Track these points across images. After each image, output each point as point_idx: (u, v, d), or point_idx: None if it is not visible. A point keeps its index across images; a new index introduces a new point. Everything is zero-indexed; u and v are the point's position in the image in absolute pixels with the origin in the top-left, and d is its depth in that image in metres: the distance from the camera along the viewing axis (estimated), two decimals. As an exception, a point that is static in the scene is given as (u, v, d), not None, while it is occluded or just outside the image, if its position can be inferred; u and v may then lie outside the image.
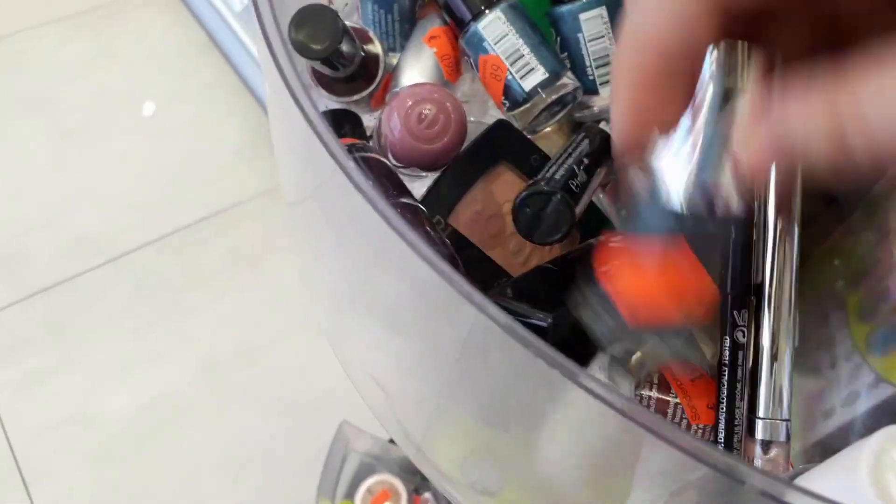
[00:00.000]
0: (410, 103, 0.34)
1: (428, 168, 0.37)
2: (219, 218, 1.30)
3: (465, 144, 0.38)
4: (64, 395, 1.11)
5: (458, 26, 0.41)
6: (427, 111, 0.34)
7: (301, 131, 0.24)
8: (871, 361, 0.30)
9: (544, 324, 0.29)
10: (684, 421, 0.33)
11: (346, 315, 0.36)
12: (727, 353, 0.32)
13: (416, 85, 0.37)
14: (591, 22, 0.39)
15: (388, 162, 0.35)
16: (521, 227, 0.34)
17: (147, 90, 1.44)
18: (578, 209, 0.34)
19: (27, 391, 1.11)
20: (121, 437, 1.08)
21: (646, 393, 0.34)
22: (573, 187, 0.34)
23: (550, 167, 0.35)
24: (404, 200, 0.31)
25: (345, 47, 0.38)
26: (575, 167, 0.35)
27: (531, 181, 0.35)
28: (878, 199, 0.31)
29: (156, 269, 1.24)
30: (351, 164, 0.23)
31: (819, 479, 0.26)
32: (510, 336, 0.22)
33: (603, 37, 0.39)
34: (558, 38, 0.40)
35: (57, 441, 1.07)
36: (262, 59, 0.28)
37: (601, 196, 0.44)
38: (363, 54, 0.41)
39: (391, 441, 0.95)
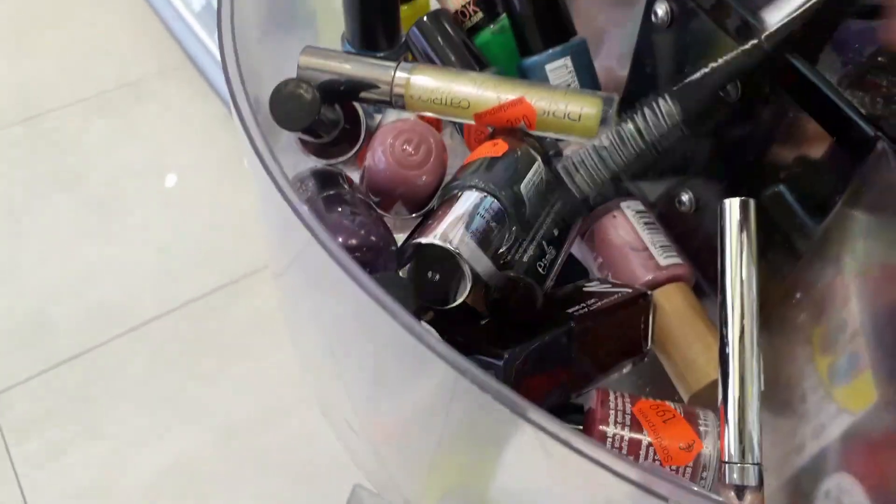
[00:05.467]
0: (395, 132, 0.37)
1: (410, 202, 0.38)
2: (238, 285, 1.32)
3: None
4: (84, 464, 1.12)
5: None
6: (409, 137, 0.36)
7: (272, 192, 0.26)
8: (832, 392, 0.31)
9: (500, 361, 0.30)
10: (657, 462, 0.33)
11: (330, 371, 0.37)
12: None
13: (398, 120, 0.39)
14: (557, 72, 0.41)
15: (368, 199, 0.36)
16: (491, 310, 0.35)
17: (169, 162, 1.48)
18: (546, 288, 0.36)
19: (48, 462, 1.12)
20: (139, 506, 1.08)
21: (618, 432, 0.34)
22: (540, 269, 0.36)
23: (520, 246, 0.37)
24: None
25: (326, 114, 0.40)
26: (544, 244, 0.37)
27: (500, 263, 0.36)
28: (832, 233, 0.32)
29: (176, 337, 1.26)
30: (318, 227, 0.25)
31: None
32: (459, 373, 0.23)
33: (570, 85, 0.41)
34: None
35: (76, 510, 1.08)
36: (239, 135, 0.30)
37: (580, 244, 0.45)
38: (344, 120, 0.43)
39: None
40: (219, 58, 1.20)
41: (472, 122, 0.40)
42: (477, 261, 0.33)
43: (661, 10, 0.39)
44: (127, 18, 1.74)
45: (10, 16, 1.72)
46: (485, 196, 0.35)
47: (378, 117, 0.47)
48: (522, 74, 0.43)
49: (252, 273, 1.33)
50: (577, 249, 0.45)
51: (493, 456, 0.26)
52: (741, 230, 0.33)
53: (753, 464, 0.31)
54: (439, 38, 0.45)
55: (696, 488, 0.30)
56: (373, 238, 0.33)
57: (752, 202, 0.33)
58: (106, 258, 1.33)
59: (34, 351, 1.22)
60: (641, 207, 0.44)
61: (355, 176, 0.46)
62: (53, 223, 1.37)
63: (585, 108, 0.38)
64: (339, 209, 0.34)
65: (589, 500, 0.23)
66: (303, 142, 0.44)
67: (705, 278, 0.42)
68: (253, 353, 1.24)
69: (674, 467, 0.33)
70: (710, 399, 0.37)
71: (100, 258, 1.33)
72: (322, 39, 0.49)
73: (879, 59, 0.32)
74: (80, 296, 1.28)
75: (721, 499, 0.30)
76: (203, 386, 1.20)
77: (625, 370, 0.38)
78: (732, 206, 0.33)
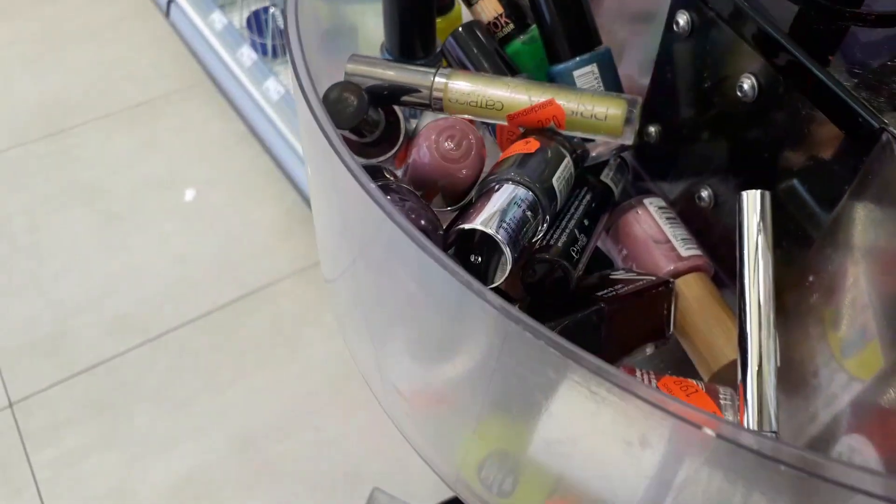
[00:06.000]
0: (438, 129, 0.40)
1: (450, 194, 0.42)
2: (254, 297, 1.35)
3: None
4: (102, 472, 1.13)
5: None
6: (452, 134, 0.40)
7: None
8: (844, 364, 0.33)
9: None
10: (682, 430, 0.36)
11: (383, 340, 0.40)
12: None
13: (441, 118, 0.42)
14: (584, 78, 0.44)
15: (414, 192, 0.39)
16: (528, 290, 0.38)
17: (188, 177, 1.52)
18: (578, 271, 0.39)
19: (67, 469, 1.14)
20: (157, 513, 1.10)
21: (645, 405, 0.37)
22: (573, 253, 0.39)
23: (554, 231, 0.40)
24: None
25: (370, 115, 0.44)
26: (576, 231, 0.40)
27: (536, 248, 0.39)
28: (841, 221, 0.35)
29: (193, 348, 1.28)
30: (386, 200, 0.28)
31: None
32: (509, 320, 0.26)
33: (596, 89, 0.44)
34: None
35: (95, 517, 1.09)
36: (304, 128, 0.33)
37: (605, 238, 0.48)
38: (385, 121, 0.47)
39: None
40: (238, 75, 1.27)
41: (505, 123, 0.43)
42: (515, 245, 0.36)
43: (682, 19, 0.42)
44: (149, 37, 1.79)
45: (35, 33, 1.77)
46: (520, 188, 0.39)
47: (414, 122, 0.50)
48: (551, 80, 0.46)
49: (268, 285, 1.35)
50: (602, 243, 0.48)
51: (537, 410, 0.28)
52: (758, 219, 0.36)
53: (771, 432, 0.34)
54: (473, 48, 0.48)
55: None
56: (423, 222, 0.36)
57: (767, 194, 0.36)
58: (125, 270, 1.36)
59: (54, 360, 1.25)
60: (663, 203, 0.47)
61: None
62: (74, 236, 1.40)
63: (611, 108, 0.41)
64: (389, 197, 0.37)
65: (625, 439, 0.26)
66: (346, 141, 0.48)
67: (723, 270, 0.45)
68: (269, 363, 1.26)
69: (697, 437, 0.36)
70: (728, 379, 0.40)
71: (119, 270, 1.36)
72: (362, 50, 0.53)
73: (888, 62, 0.35)
74: (100, 307, 1.31)
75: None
76: (220, 395, 1.22)
77: (648, 352, 0.41)
78: (750, 197, 0.36)
